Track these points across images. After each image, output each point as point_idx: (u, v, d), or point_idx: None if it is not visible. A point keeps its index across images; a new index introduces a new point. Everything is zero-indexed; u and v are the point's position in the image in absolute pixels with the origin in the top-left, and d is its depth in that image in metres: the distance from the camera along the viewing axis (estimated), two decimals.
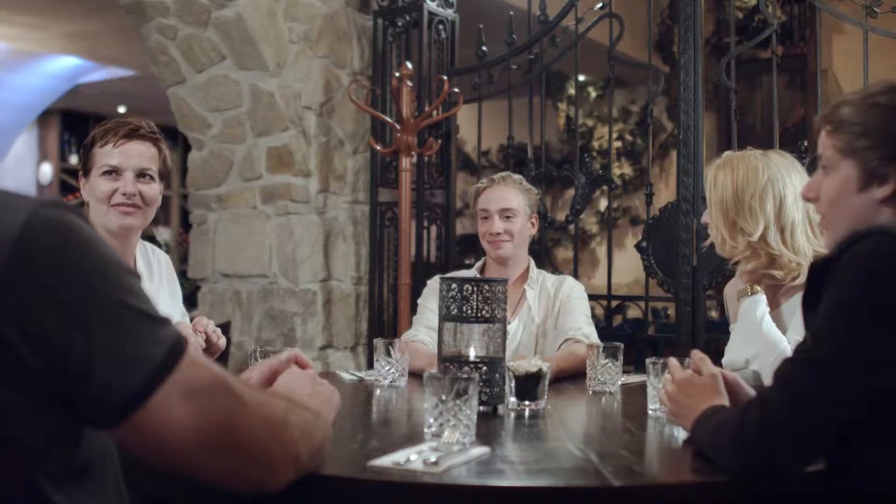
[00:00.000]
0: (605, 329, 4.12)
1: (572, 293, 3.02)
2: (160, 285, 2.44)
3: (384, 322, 4.68)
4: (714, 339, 3.89)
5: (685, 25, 3.83)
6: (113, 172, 2.26)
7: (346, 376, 2.73)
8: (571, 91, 10.34)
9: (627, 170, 10.05)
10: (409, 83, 4.24)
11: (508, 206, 3.01)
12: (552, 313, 2.99)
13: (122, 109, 11.08)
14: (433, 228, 4.63)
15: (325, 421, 1.39)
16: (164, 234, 9.37)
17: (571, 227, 4.26)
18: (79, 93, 10.02)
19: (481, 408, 2.03)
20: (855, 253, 1.35)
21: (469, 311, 2.02)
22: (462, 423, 1.57)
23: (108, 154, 2.26)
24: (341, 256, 4.67)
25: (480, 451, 1.52)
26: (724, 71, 3.82)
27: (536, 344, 2.98)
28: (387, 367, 2.49)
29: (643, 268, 3.98)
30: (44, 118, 10.93)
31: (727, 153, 2.43)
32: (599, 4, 4.14)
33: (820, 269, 1.40)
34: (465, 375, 1.61)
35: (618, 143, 10.01)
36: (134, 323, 1.04)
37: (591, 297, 4.38)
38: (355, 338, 4.73)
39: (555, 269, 4.03)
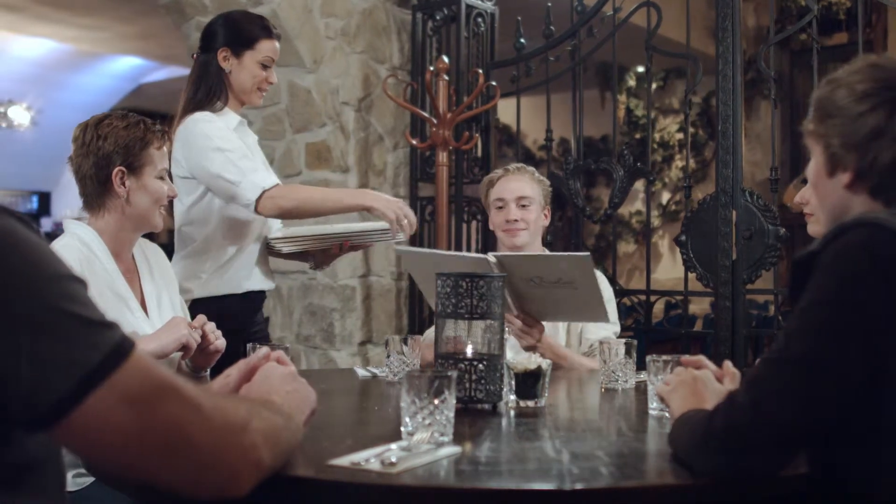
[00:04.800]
0: (644, 325, 4.05)
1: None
2: (162, 284, 2.44)
3: (424, 318, 4.65)
4: (765, 334, 3.78)
5: (723, 13, 3.72)
6: None
7: (360, 372, 2.72)
8: (631, 83, 10.20)
9: (689, 161, 9.88)
10: (446, 77, 4.21)
11: (524, 194, 2.99)
12: None
13: None
14: (473, 223, 4.60)
15: (295, 423, 1.37)
16: None
17: (633, 220, 4.18)
18: (143, 92, 10.21)
19: (485, 406, 1.99)
20: (835, 248, 1.29)
21: (465, 308, 1.98)
22: (437, 423, 1.54)
23: None
24: (381, 252, 4.65)
25: (450, 451, 1.48)
26: (763, 58, 3.72)
27: (559, 328, 2.94)
28: (397, 364, 2.47)
29: (682, 261, 3.88)
30: None
31: None
32: None
33: (804, 262, 1.34)
34: (442, 374, 1.57)
35: (679, 135, 9.84)
36: (66, 327, 1.02)
37: (632, 293, 4.30)
38: (396, 333, 4.71)
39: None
